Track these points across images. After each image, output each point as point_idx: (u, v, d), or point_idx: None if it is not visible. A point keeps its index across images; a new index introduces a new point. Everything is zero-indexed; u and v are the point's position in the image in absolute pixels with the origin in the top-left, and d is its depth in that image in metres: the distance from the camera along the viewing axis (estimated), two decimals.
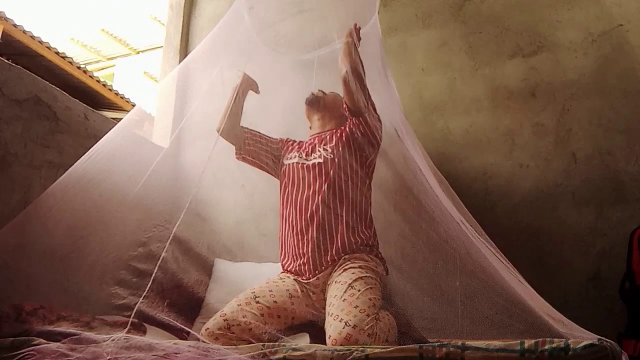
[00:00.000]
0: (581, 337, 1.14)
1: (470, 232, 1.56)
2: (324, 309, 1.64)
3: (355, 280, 1.61)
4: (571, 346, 0.96)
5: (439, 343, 1.05)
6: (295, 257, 1.83)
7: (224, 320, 1.59)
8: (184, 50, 2.91)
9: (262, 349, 1.14)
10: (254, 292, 1.73)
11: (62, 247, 1.64)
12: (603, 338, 0.99)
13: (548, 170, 2.10)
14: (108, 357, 1.11)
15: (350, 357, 1.06)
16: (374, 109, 1.94)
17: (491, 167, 2.19)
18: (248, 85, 2.12)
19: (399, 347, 1.08)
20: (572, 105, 2.13)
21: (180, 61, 2.81)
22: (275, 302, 1.70)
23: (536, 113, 2.17)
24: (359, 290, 1.56)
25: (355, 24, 2.00)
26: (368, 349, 1.09)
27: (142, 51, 10.28)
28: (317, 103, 2.07)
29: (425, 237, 1.84)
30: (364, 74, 1.90)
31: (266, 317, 1.64)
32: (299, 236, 1.82)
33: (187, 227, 2.03)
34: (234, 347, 1.21)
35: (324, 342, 1.47)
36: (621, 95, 2.06)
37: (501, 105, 2.24)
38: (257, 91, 2.16)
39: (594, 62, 2.13)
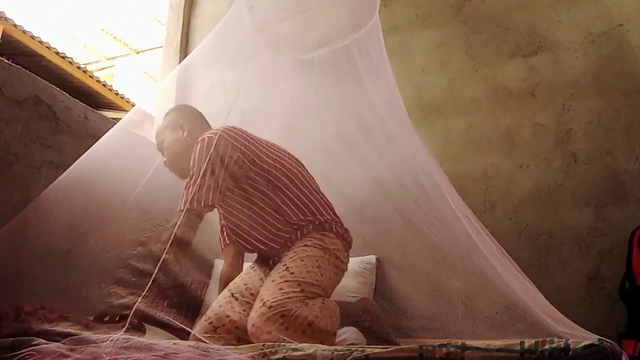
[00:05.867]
0: (581, 337, 1.14)
1: (471, 229, 1.55)
2: None
3: (294, 260, 1.53)
4: (571, 346, 0.96)
5: (439, 343, 1.05)
6: None
7: (209, 323, 1.62)
8: (184, 50, 2.91)
9: (262, 349, 1.14)
10: (230, 290, 1.72)
11: (61, 246, 1.64)
12: (603, 338, 0.99)
13: (548, 170, 2.10)
14: (107, 358, 1.11)
15: (350, 357, 1.06)
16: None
17: (491, 167, 2.19)
18: None
19: (399, 347, 1.08)
20: (572, 105, 2.13)
21: (180, 61, 2.81)
22: (252, 294, 1.67)
23: (536, 113, 2.17)
24: (292, 273, 1.49)
25: None
26: (368, 349, 1.08)
27: (142, 51, 10.31)
28: None
29: (425, 237, 1.84)
30: None
31: (248, 311, 1.61)
32: None
33: None
34: (233, 347, 1.20)
35: None
36: (621, 95, 2.06)
37: (501, 105, 2.24)
38: None
39: (594, 62, 2.13)
